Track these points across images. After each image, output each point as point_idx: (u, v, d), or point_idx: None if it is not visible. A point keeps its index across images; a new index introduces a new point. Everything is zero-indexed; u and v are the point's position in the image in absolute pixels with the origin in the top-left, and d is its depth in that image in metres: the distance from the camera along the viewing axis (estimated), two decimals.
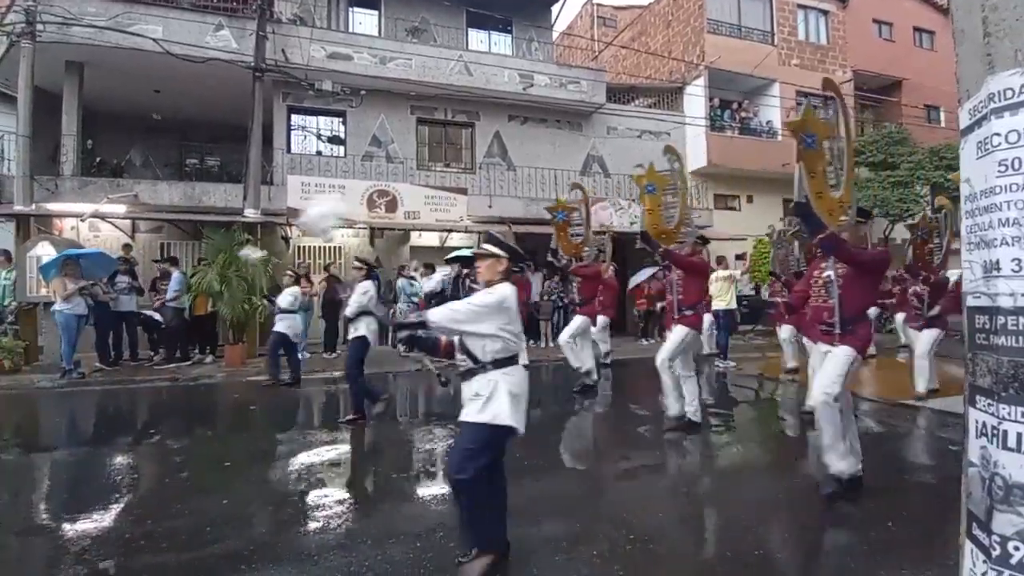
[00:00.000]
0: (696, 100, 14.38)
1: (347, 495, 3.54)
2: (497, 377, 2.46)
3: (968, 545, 1.48)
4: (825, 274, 3.46)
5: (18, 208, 8.75)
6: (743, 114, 15.20)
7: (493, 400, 2.43)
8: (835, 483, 3.28)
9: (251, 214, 9.60)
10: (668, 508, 3.33)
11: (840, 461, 3.26)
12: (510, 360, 2.50)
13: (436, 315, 2.43)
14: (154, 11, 9.67)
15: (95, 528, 3.03)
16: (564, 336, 6.62)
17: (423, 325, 2.47)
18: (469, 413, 2.47)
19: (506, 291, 2.51)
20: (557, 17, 14.48)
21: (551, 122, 13.02)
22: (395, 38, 12.06)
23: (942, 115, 16.83)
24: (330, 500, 3.41)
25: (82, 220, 9.41)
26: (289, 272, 7.28)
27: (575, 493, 3.58)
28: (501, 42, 13.89)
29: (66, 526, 3.06)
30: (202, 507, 3.29)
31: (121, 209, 9.47)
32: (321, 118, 11.75)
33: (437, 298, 8.37)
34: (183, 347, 8.53)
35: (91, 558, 2.68)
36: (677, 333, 4.76)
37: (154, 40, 9.18)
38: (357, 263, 5.48)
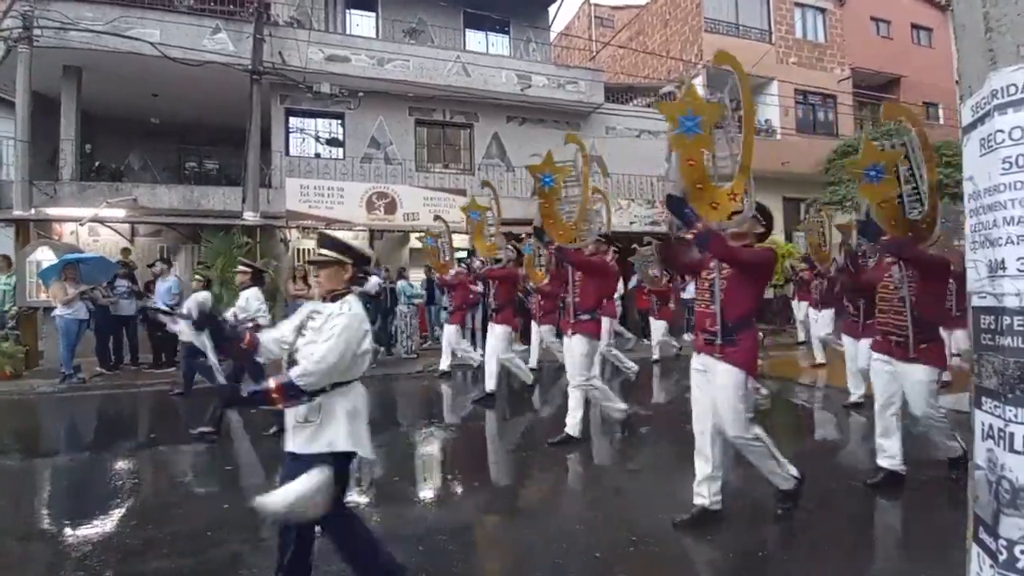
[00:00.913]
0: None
1: (347, 498, 3.52)
2: (333, 399, 2.13)
3: (975, 549, 1.46)
4: (711, 275, 3.04)
5: (17, 213, 8.74)
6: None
7: (328, 425, 2.12)
8: (787, 498, 3.01)
9: (250, 217, 9.58)
10: (672, 509, 3.31)
11: (784, 482, 2.99)
12: (356, 378, 2.19)
13: (308, 377, 2.02)
14: (151, 15, 9.66)
15: (96, 533, 3.02)
16: (499, 355, 6.10)
17: (297, 396, 2.04)
18: (298, 443, 2.14)
19: (359, 308, 2.17)
20: (554, 18, 14.47)
21: (549, 122, 13.01)
22: (392, 39, 12.04)
23: (940, 112, 16.82)
24: None
25: (81, 224, 9.39)
26: (198, 277, 6.64)
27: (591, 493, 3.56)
28: (499, 43, 13.88)
29: (67, 531, 3.05)
30: (203, 511, 3.28)
31: (120, 213, 9.45)
32: (319, 120, 11.74)
33: (372, 302, 8.07)
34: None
35: (92, 564, 2.67)
36: (576, 348, 4.30)
37: (151, 44, 9.17)
38: (242, 267, 4.96)
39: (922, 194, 3.18)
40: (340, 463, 2.14)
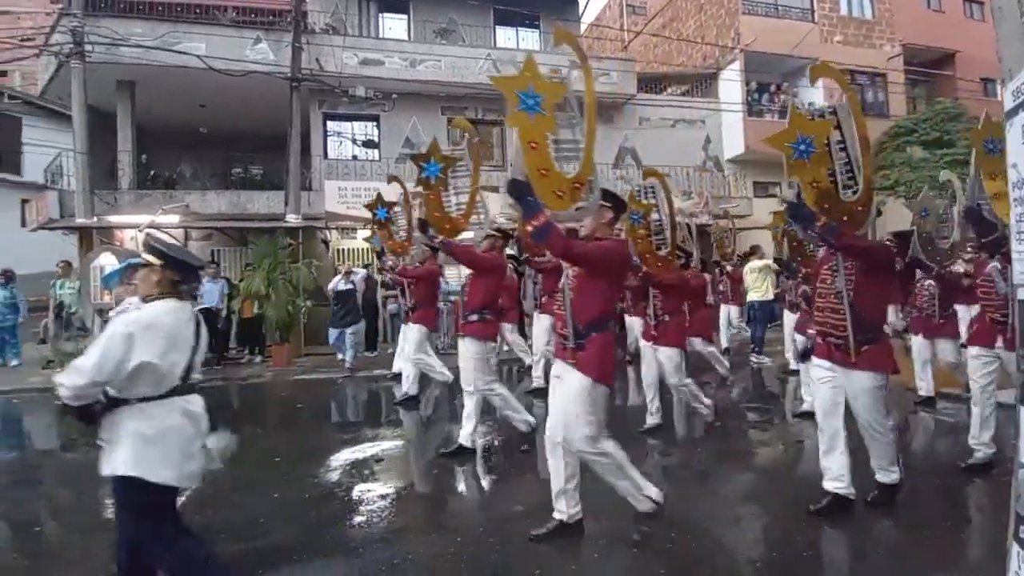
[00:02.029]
0: (732, 85, 13.92)
1: (390, 490, 3.63)
2: (118, 418, 1.97)
3: (1015, 548, 1.39)
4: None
5: (80, 221, 9.36)
6: (782, 97, 14.63)
7: (115, 447, 1.97)
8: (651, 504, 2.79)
9: (292, 219, 9.95)
10: (710, 508, 3.27)
11: (641, 504, 2.76)
12: (154, 396, 2.00)
13: (60, 388, 1.87)
14: (196, 29, 10.13)
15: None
16: (410, 355, 5.81)
17: (68, 408, 1.90)
18: (102, 464, 2.00)
19: (145, 315, 2.00)
20: (584, 9, 14.33)
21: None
22: (424, 41, 12.20)
23: (999, 88, 15.69)
24: (374, 495, 3.51)
25: (140, 231, 9.98)
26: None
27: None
28: (529, 38, 13.84)
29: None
30: (255, 500, 3.45)
31: (174, 219, 9.99)
32: (355, 123, 12.04)
33: (347, 299, 7.76)
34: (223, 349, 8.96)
35: None
36: (466, 351, 4.01)
37: (198, 57, 9.62)
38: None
39: (856, 171, 2.76)
40: (145, 490, 1.94)
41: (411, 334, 5.80)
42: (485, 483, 3.75)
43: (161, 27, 9.84)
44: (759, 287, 8.22)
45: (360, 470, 4.01)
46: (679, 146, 13.07)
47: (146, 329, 1.95)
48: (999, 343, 3.43)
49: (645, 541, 2.72)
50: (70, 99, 9.48)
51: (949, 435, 4.54)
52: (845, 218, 2.77)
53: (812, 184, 2.74)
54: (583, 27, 15.63)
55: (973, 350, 3.65)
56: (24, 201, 13.13)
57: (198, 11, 11.16)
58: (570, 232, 2.76)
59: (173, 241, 2.23)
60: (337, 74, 10.58)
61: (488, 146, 12.78)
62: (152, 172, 11.99)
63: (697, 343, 6.02)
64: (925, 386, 5.27)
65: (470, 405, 4.08)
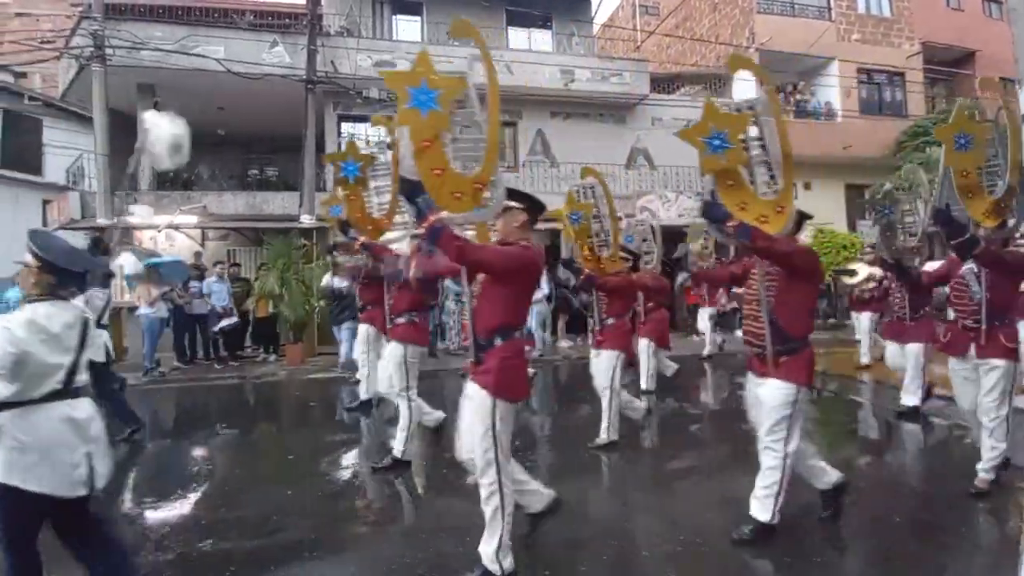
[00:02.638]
0: (747, 85, 13.79)
1: (402, 489, 3.68)
2: (2, 420, 1.91)
3: None
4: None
5: (101, 221, 9.57)
6: (798, 96, 14.45)
7: None
8: None
9: (307, 220, 10.07)
10: (720, 511, 3.26)
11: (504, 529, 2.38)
12: (35, 400, 1.94)
13: None
14: (215, 32, 10.31)
15: (174, 516, 3.29)
16: (357, 352, 5.65)
17: None
18: None
19: (36, 311, 1.98)
20: (597, 9, 14.31)
21: (594, 116, 12.86)
22: (437, 42, 12.26)
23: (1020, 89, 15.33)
24: (386, 493, 3.55)
25: (159, 231, 10.19)
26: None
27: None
28: (541, 39, 13.84)
29: (148, 514, 3.33)
30: (268, 497, 3.51)
31: (192, 220, 10.18)
32: (369, 125, 12.13)
33: (343, 296, 7.42)
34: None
35: (170, 544, 2.91)
36: (390, 353, 3.86)
37: (217, 60, 9.79)
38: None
39: (773, 166, 2.61)
40: (14, 497, 1.90)
41: (363, 334, 5.43)
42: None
43: (180, 31, 10.03)
44: None
45: (372, 468, 4.03)
46: (692, 147, 12.98)
47: (23, 326, 1.93)
48: (971, 351, 3.20)
49: (655, 543, 2.72)
50: (91, 101, 9.71)
51: (927, 455, 4.40)
52: (763, 219, 2.56)
53: (727, 181, 2.57)
54: (596, 27, 15.58)
55: (950, 362, 3.43)
56: (46, 202, 13.47)
57: (216, 15, 11.36)
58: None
59: (64, 244, 2.21)
60: (352, 76, 10.69)
61: (500, 147, 12.82)
62: (171, 174, 12.20)
63: (643, 345, 5.83)
64: (909, 397, 4.91)
65: (407, 407, 3.85)
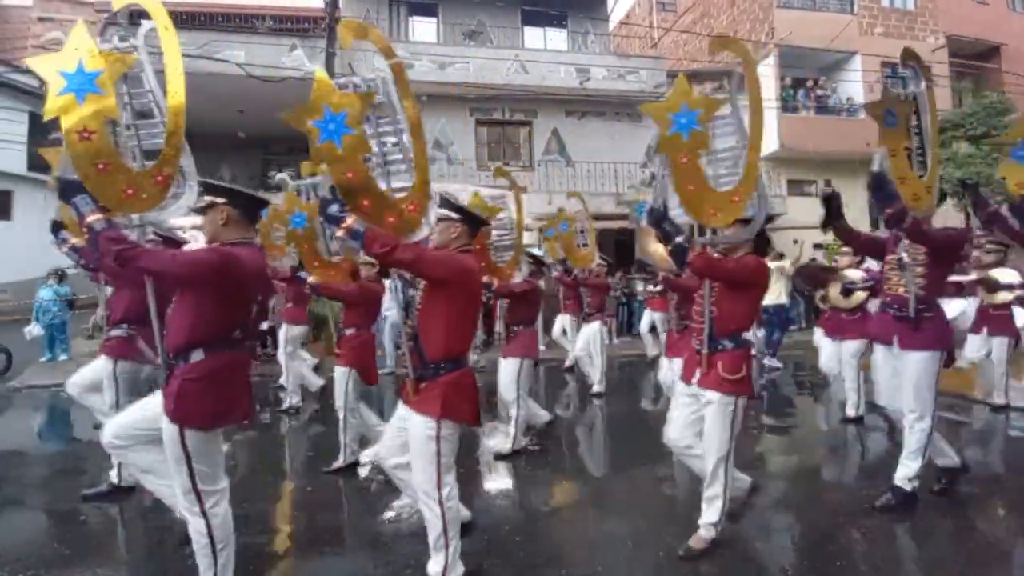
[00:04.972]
0: (765, 81, 13.57)
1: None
2: None
3: None
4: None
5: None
6: (819, 92, 14.19)
7: None
8: None
9: None
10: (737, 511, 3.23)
11: (434, 565, 2.28)
12: None
13: None
14: (236, 37, 10.54)
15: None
16: (283, 351, 5.76)
17: None
18: None
19: None
20: (613, 7, 14.22)
21: (610, 115, 12.81)
22: (453, 43, 12.35)
23: None
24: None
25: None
26: None
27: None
28: (557, 37, 13.84)
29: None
30: (288, 493, 3.58)
31: None
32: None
33: None
34: None
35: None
36: (336, 374, 3.86)
37: (238, 64, 9.99)
38: None
39: (738, 159, 2.43)
40: None
41: (294, 334, 5.81)
42: (512, 481, 3.80)
43: (203, 36, 10.26)
44: (772, 290, 7.86)
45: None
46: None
47: None
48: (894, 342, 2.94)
49: (672, 544, 2.71)
50: None
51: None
52: (713, 212, 2.37)
53: (681, 160, 2.35)
54: (612, 25, 15.51)
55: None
56: None
57: (237, 21, 11.60)
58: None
59: None
60: (367, 78, 10.82)
61: (515, 146, 12.85)
62: (272, 173, 12.52)
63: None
64: (852, 402, 4.62)
65: (353, 419, 3.84)
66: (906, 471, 2.89)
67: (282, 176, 3.94)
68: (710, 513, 2.57)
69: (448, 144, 12.17)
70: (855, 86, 13.95)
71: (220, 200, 2.23)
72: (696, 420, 2.60)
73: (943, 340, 2.86)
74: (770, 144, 13.24)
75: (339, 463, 3.78)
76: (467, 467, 4.03)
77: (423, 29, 13.27)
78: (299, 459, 4.45)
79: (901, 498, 2.88)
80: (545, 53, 12.39)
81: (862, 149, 12.72)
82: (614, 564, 2.56)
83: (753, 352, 2.67)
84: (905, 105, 2.75)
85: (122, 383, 3.42)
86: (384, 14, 12.76)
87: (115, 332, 3.45)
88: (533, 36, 13.65)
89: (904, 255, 2.90)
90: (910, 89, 2.82)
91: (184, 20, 10.95)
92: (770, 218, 2.62)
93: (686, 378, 2.68)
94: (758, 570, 2.56)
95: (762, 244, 2.62)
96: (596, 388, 5.98)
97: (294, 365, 5.81)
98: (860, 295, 4.52)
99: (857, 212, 13.11)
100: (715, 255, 2.54)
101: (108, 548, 2.94)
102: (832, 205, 2.90)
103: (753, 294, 2.60)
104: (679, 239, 2.46)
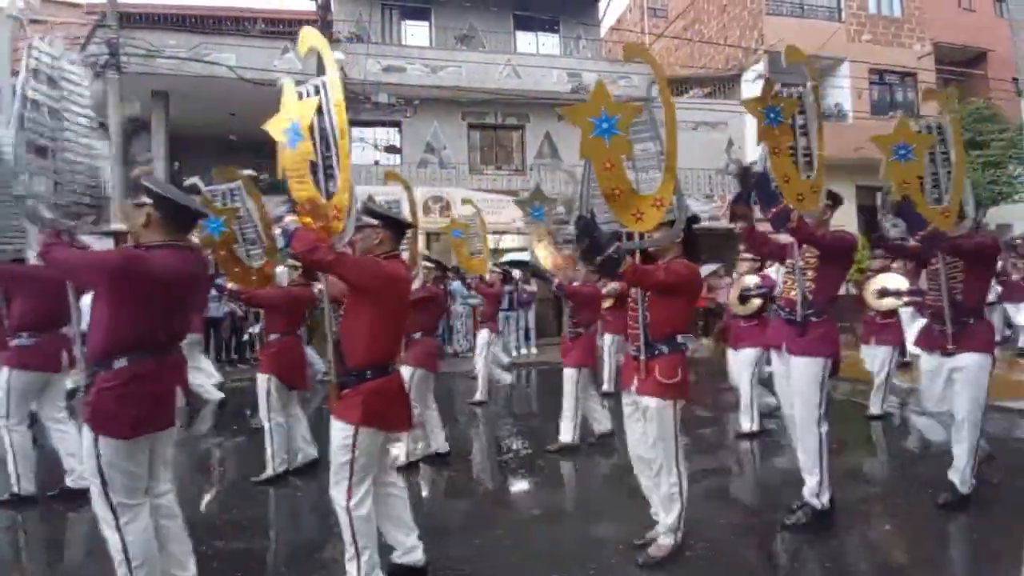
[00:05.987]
0: (755, 87, 13.75)
1: (424, 490, 3.70)
2: None
3: None
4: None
5: (115, 226, 9.72)
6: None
7: None
8: None
9: None
10: (732, 513, 3.24)
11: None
12: None
13: None
14: (227, 40, 10.48)
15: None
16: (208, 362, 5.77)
17: None
18: None
19: None
20: (605, 12, 14.32)
21: None
22: (445, 47, 12.37)
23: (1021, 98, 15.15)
24: (407, 494, 3.56)
25: None
26: None
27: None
28: (549, 42, 13.91)
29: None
30: (283, 497, 3.55)
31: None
32: (378, 129, 12.25)
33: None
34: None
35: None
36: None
37: (229, 67, 9.94)
38: None
39: (660, 161, 2.44)
40: None
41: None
42: (518, 484, 3.80)
43: (194, 39, 10.20)
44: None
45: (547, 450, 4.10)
46: (702, 149, 12.93)
47: None
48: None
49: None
50: (106, 109, 9.88)
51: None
52: (636, 214, 2.41)
53: (607, 168, 2.36)
54: (603, 30, 15.61)
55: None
56: None
57: (229, 23, 11.55)
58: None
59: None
60: (361, 81, 10.80)
61: (508, 150, 12.88)
62: (184, 179, 12.41)
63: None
64: (747, 415, 4.41)
65: (280, 432, 3.78)
66: (959, 475, 2.92)
67: (193, 181, 3.77)
68: (668, 517, 2.52)
69: (440, 148, 12.17)
70: (843, 92, 14.13)
71: (147, 201, 2.16)
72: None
73: (829, 346, 2.78)
74: (760, 149, 13.37)
75: (267, 474, 3.67)
76: (456, 470, 4.02)
77: (416, 33, 13.28)
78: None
79: (959, 500, 2.93)
80: (537, 58, 12.45)
81: (850, 154, 12.88)
82: (606, 567, 2.56)
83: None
84: (791, 103, 2.68)
85: (14, 394, 3.27)
86: (376, 18, 12.76)
87: (15, 341, 3.28)
88: (525, 41, 13.72)
89: (799, 259, 2.84)
90: (796, 89, 2.77)
91: (174, 22, 10.89)
92: (695, 219, 2.68)
93: (624, 384, 2.66)
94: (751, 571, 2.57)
95: (692, 248, 2.62)
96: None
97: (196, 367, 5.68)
98: (756, 302, 4.40)
99: (847, 215, 13.29)
100: (645, 267, 2.51)
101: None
102: (747, 180, 2.78)
103: (686, 298, 2.61)
104: (610, 250, 2.37)
